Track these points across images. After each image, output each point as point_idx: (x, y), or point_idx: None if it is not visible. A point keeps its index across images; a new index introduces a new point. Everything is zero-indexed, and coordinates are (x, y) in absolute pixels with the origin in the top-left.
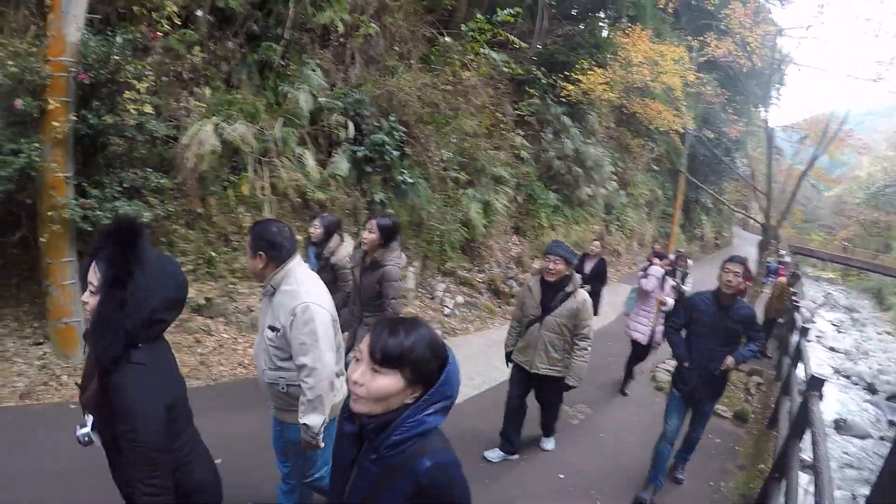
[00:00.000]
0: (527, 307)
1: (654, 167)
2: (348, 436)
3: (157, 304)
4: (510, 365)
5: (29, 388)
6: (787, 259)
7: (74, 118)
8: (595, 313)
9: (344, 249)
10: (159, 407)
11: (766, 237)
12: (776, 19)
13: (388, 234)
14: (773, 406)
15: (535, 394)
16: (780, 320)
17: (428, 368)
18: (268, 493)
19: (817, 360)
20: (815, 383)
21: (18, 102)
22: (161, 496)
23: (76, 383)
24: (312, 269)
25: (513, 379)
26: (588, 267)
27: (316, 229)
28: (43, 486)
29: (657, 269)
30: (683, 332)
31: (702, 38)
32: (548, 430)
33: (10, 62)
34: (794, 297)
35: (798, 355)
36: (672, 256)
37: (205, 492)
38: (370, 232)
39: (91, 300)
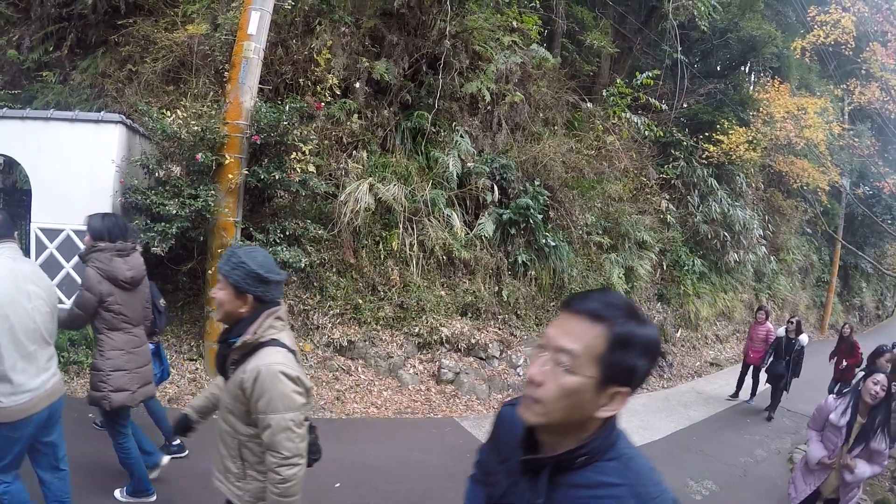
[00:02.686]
0: None
1: (808, 230)
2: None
3: None
4: None
5: (177, 395)
6: None
7: (246, 172)
8: None
9: None
10: None
11: None
12: None
13: (96, 234)
14: None
15: None
16: None
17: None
18: None
19: None
20: None
21: (199, 156)
22: None
23: None
24: None
25: None
26: None
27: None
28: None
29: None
30: None
31: (845, 85)
32: None
33: (193, 122)
34: None
35: None
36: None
37: None
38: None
39: None
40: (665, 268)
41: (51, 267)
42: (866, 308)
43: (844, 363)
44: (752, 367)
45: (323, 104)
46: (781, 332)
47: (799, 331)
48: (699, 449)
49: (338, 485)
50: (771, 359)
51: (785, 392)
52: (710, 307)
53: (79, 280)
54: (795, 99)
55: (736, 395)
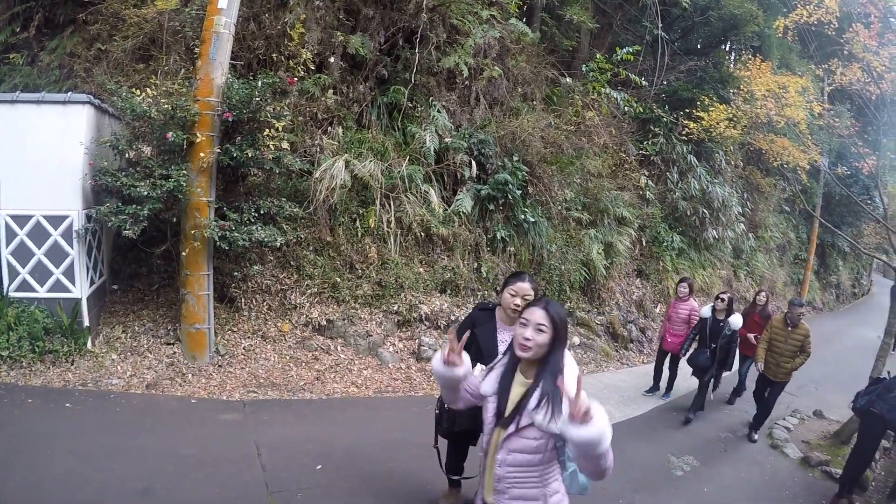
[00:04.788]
0: None
1: (787, 208)
2: None
3: None
4: None
5: (155, 380)
6: None
7: (218, 150)
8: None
9: None
10: None
11: None
12: None
13: None
14: None
15: None
16: None
17: None
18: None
19: None
20: None
21: (170, 135)
22: None
23: None
24: None
25: None
26: None
27: None
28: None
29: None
30: None
31: (826, 65)
32: None
33: (163, 100)
34: None
35: None
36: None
37: None
38: None
39: None
40: (644, 244)
41: (22, 254)
42: (843, 286)
43: (752, 337)
44: (670, 355)
45: (296, 79)
46: (706, 311)
47: (730, 311)
48: (680, 424)
49: (319, 466)
50: (694, 347)
51: (711, 389)
52: None
53: (51, 267)
54: (777, 77)
55: (655, 388)
